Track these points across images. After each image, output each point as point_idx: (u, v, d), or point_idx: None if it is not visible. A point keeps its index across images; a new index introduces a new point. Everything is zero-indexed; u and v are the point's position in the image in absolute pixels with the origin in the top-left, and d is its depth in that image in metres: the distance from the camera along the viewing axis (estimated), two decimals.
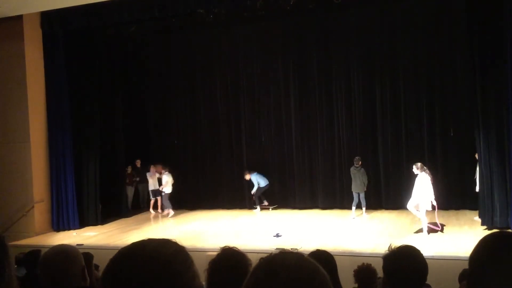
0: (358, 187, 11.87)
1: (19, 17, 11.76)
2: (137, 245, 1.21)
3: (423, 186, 9.52)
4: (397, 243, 2.61)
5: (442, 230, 9.75)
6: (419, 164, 9.75)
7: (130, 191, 14.70)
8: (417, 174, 9.70)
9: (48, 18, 12.07)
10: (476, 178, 10.46)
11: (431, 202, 9.56)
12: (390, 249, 2.53)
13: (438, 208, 9.76)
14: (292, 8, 11.63)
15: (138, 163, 14.82)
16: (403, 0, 12.49)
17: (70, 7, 11.21)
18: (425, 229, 9.56)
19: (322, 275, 1.14)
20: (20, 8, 11.31)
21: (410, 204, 9.76)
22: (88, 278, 2.32)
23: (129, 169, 14.59)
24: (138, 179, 14.64)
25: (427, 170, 9.70)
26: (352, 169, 12.03)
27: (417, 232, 9.74)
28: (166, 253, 1.19)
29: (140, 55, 15.09)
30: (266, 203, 13.73)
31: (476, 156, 10.32)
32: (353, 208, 11.91)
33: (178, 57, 14.69)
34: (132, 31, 13.39)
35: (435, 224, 9.68)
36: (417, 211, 9.69)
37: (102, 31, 13.07)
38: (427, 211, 9.63)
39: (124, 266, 1.17)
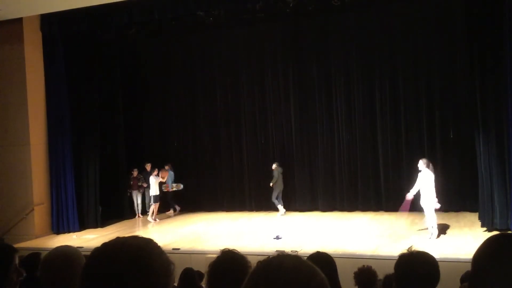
0: (281, 186, 12.92)
1: (19, 20, 11.77)
2: (107, 243, 1.28)
3: (427, 184, 9.28)
4: (417, 247, 2.62)
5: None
6: (425, 160, 9.50)
7: (136, 195, 13.99)
8: (420, 170, 9.41)
9: (48, 21, 12.08)
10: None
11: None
12: (409, 249, 2.55)
13: (437, 210, 9.61)
14: (291, 10, 11.64)
15: (149, 167, 13.79)
16: (402, 2, 12.49)
17: (70, 10, 11.22)
18: (436, 229, 9.33)
19: (320, 277, 1.14)
20: (20, 11, 11.32)
21: (429, 206, 9.34)
22: None
23: (135, 173, 13.84)
24: (146, 185, 13.70)
25: (432, 168, 9.48)
26: (280, 170, 12.94)
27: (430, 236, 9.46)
28: (135, 244, 1.26)
29: (139, 57, 15.09)
30: (172, 212, 14.00)
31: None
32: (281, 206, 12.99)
33: (178, 59, 14.70)
34: (132, 33, 13.39)
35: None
36: (433, 212, 9.34)
37: (102, 34, 13.07)
38: (436, 210, 9.36)
39: (97, 262, 1.23)
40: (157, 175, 13.19)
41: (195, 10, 11.52)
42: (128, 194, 13.89)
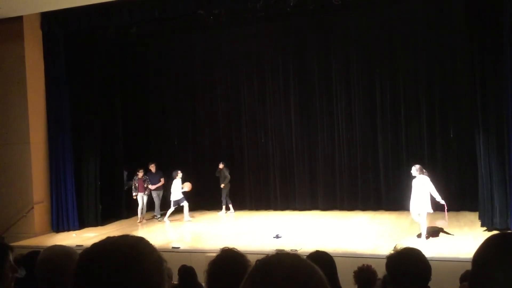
0: (229, 185, 13.41)
1: (19, 18, 11.75)
2: (97, 243, 1.27)
3: (423, 189, 9.29)
4: (402, 244, 2.62)
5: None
6: (418, 166, 9.48)
7: (142, 198, 13.03)
8: (414, 177, 9.43)
9: (48, 19, 12.07)
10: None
11: (439, 202, 9.30)
12: (395, 249, 2.54)
13: (435, 210, 9.57)
14: (292, 10, 11.63)
15: (153, 167, 13.17)
16: (403, 1, 12.49)
17: (70, 8, 11.21)
18: (424, 234, 9.33)
19: (318, 276, 1.13)
20: (20, 9, 11.30)
21: (414, 211, 9.42)
22: None
23: (140, 174, 12.95)
24: (153, 187, 13.00)
25: (426, 172, 9.50)
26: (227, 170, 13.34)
27: (418, 236, 9.51)
28: (126, 243, 1.26)
29: (140, 56, 15.09)
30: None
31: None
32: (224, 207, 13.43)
33: (179, 59, 14.69)
34: (133, 32, 13.39)
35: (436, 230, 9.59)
36: (418, 215, 9.40)
37: (102, 32, 13.06)
38: (428, 213, 9.41)
39: (88, 263, 1.23)
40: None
41: (196, 9, 11.51)
42: (134, 196, 12.98)
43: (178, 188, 12.74)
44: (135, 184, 13.00)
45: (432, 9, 12.24)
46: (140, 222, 12.95)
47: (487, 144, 9.86)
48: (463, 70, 11.59)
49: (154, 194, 13.18)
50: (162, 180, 13.21)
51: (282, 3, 11.43)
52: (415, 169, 9.43)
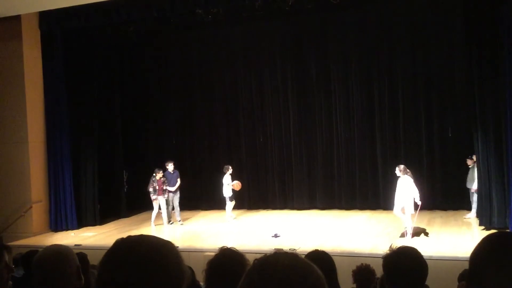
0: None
1: (17, 17, 11.74)
2: (124, 240, 1.29)
3: (407, 189, 9.34)
4: (398, 243, 2.61)
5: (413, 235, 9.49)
6: (402, 166, 9.58)
7: (161, 202, 11.95)
8: (399, 177, 9.51)
9: (46, 18, 12.06)
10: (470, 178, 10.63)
11: (416, 203, 9.31)
12: (391, 249, 2.53)
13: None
14: (290, 9, 11.63)
15: (171, 166, 12.22)
16: (402, 1, 12.49)
17: (68, 7, 11.20)
18: (409, 232, 9.34)
19: (316, 275, 1.13)
20: (18, 8, 11.28)
21: (397, 209, 9.50)
22: (83, 278, 2.32)
23: (159, 174, 11.90)
24: (174, 189, 12.13)
25: (410, 173, 9.54)
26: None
27: (401, 236, 9.48)
28: (151, 245, 1.27)
29: (138, 55, 15.07)
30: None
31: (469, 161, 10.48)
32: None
33: (176, 57, 14.68)
34: (131, 31, 13.38)
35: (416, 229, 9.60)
36: (402, 214, 9.45)
37: (100, 31, 13.05)
38: (412, 214, 9.41)
39: (114, 263, 1.24)
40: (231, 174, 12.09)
41: (194, 8, 11.51)
42: (154, 200, 11.94)
43: (228, 183, 12.17)
44: (155, 186, 11.89)
45: (430, 8, 12.23)
46: (171, 223, 12.18)
47: (485, 143, 9.87)
48: (461, 68, 11.60)
49: (174, 196, 12.26)
50: (179, 180, 12.41)
51: (280, 2, 11.42)
52: (398, 170, 9.56)
